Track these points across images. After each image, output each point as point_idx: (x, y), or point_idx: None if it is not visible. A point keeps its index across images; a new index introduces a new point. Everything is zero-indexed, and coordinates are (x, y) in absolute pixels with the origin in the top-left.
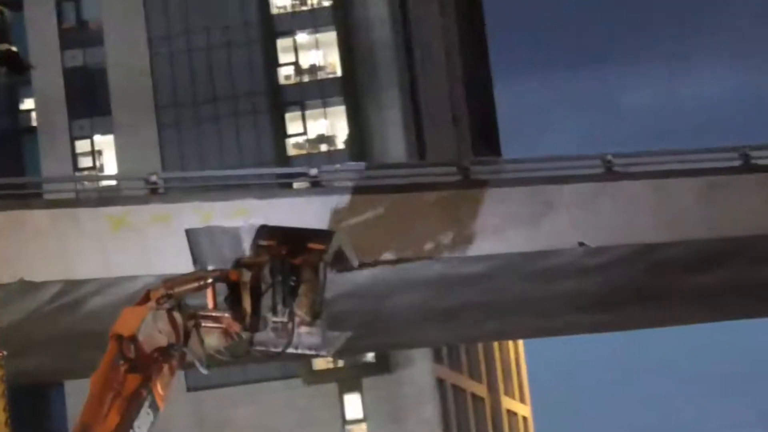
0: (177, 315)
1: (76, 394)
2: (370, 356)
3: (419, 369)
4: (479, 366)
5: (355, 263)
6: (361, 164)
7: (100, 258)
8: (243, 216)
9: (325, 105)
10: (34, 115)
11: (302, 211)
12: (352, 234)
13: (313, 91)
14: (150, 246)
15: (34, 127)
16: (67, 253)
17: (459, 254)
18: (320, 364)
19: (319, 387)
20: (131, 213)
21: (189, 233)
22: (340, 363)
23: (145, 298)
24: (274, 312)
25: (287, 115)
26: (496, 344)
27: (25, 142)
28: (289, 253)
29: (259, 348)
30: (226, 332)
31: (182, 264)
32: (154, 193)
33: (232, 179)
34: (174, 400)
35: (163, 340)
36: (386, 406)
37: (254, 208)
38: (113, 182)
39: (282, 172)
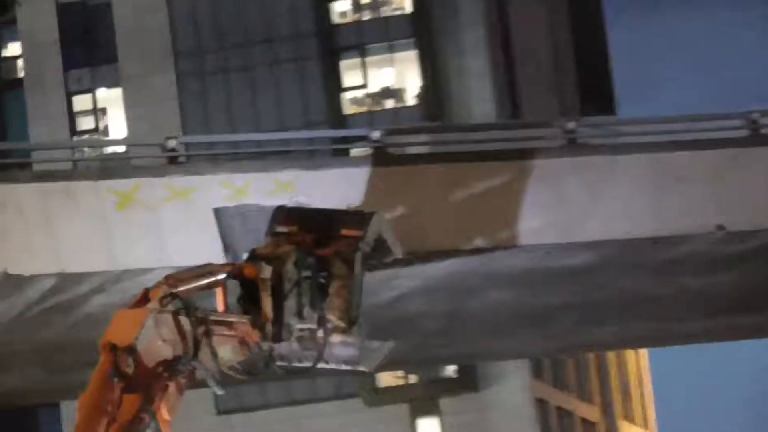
0: (184, 320)
1: (74, 419)
2: (450, 370)
3: (513, 387)
4: (590, 383)
5: (399, 252)
6: (437, 125)
7: (103, 245)
8: (286, 192)
9: (390, 50)
10: (19, 63)
11: (360, 185)
12: (423, 215)
13: (375, 32)
14: (166, 230)
15: (20, 79)
16: (62, 239)
17: (560, 241)
18: (386, 379)
19: (384, 409)
20: (143, 188)
21: (218, 213)
22: (413, 379)
23: (143, 299)
24: (300, 317)
25: (342, 63)
26: (611, 356)
27: (7, 98)
28: (316, 241)
29: (281, 363)
30: (242, 342)
31: (207, 252)
32: (172, 162)
33: (271, 145)
34: (200, 428)
35: (167, 352)
36: None
37: (299, 182)
38: (120, 149)
39: (336, 136)
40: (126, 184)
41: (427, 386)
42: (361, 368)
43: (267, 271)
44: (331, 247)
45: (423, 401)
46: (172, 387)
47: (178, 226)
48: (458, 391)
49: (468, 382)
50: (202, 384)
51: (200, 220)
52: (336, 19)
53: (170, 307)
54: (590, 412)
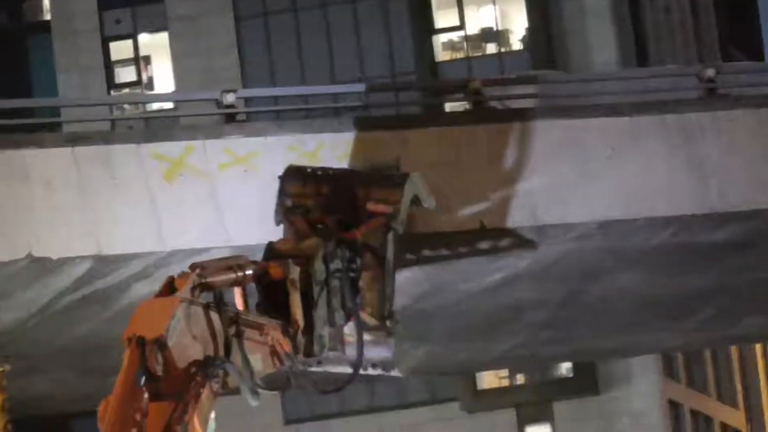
0: (214, 316)
1: None
2: (565, 369)
3: (640, 388)
4: (733, 384)
5: (432, 205)
6: (551, 73)
7: (147, 222)
8: (370, 157)
9: None
10: (45, 3)
11: (457, 146)
12: (532, 181)
13: None
14: (223, 202)
15: (46, 22)
16: (98, 214)
17: (698, 211)
18: (489, 380)
19: (487, 416)
20: (195, 152)
21: (287, 173)
22: (520, 380)
23: (169, 289)
24: (332, 323)
25: (434, 0)
26: (759, 350)
27: (32, 45)
28: (339, 222)
29: (311, 368)
30: (273, 352)
31: (272, 229)
32: (230, 121)
33: (348, 99)
34: None
35: (197, 351)
36: None
37: (383, 143)
38: (168, 105)
39: (427, 88)
40: (174, 147)
41: (537, 388)
42: (395, 373)
43: (295, 272)
44: (358, 228)
45: (533, 406)
46: (204, 394)
47: (237, 198)
48: (575, 395)
49: (586, 383)
50: (230, 392)
51: (263, 189)
52: None
53: (200, 300)
54: (733, 417)
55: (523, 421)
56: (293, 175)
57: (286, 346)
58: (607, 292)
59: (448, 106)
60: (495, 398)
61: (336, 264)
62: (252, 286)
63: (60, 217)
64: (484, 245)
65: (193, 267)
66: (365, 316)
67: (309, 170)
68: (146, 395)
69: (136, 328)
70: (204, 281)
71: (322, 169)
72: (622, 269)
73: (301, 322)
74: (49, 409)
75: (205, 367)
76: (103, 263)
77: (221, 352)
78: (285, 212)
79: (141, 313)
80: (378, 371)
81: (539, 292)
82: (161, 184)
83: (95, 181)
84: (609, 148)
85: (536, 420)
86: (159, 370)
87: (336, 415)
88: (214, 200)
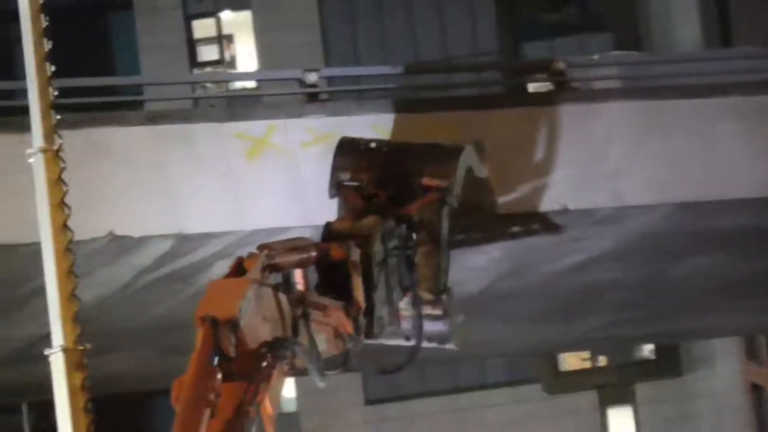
0: (282, 297)
1: None
2: (647, 351)
3: (722, 371)
4: None
5: (484, 173)
6: (633, 54)
7: (229, 200)
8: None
9: None
10: None
11: (540, 127)
12: (615, 162)
13: None
14: (306, 181)
15: (129, 1)
16: (179, 193)
17: None
18: (571, 362)
19: (568, 397)
20: (278, 131)
21: (340, 146)
22: (602, 361)
23: (237, 269)
24: (390, 302)
25: None
26: None
27: (114, 23)
28: (393, 197)
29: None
30: (336, 334)
31: None
32: (312, 99)
33: (431, 78)
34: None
35: (267, 332)
36: (672, 426)
37: (465, 123)
38: (250, 84)
39: (512, 67)
40: (257, 126)
41: (619, 370)
42: (451, 345)
43: (356, 254)
44: (413, 203)
45: (614, 388)
46: (275, 375)
47: (319, 177)
48: (656, 376)
49: (668, 365)
50: (298, 373)
51: None
52: None
53: (270, 281)
54: None
55: (604, 403)
56: (346, 149)
57: (349, 327)
58: (688, 273)
59: (531, 87)
60: (576, 380)
61: (393, 242)
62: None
63: (141, 196)
64: (565, 226)
65: (261, 248)
66: (421, 292)
67: (362, 144)
68: (219, 375)
69: (209, 308)
70: (272, 262)
71: (376, 141)
72: (702, 250)
73: (362, 304)
74: (128, 388)
75: (276, 347)
76: (184, 242)
77: (289, 333)
78: (338, 186)
79: (212, 294)
80: (433, 344)
81: (620, 273)
82: (243, 163)
83: (176, 160)
84: (691, 130)
85: (618, 402)
86: (232, 350)
87: (417, 395)
88: (296, 179)
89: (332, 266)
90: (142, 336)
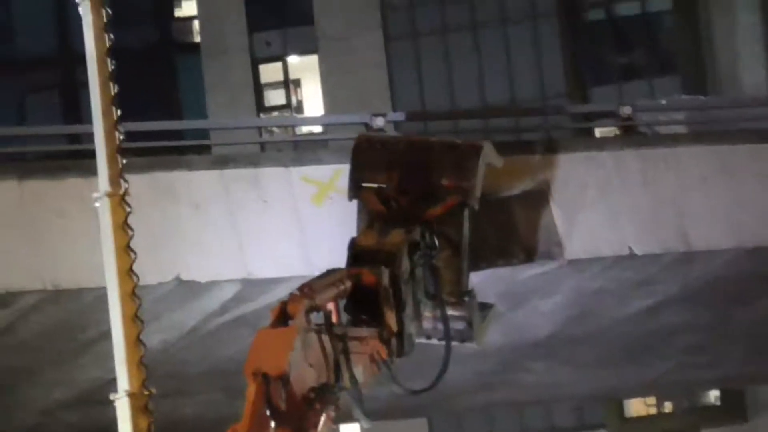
0: (325, 338)
1: None
2: (712, 396)
3: None
4: None
5: (500, 163)
6: (700, 98)
7: (296, 245)
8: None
9: (643, 7)
10: (195, 25)
11: (606, 171)
12: (683, 207)
13: None
14: None
15: (196, 43)
16: (246, 237)
17: None
18: (637, 407)
19: None
20: (344, 175)
21: (358, 145)
22: (668, 407)
23: (281, 314)
24: (417, 315)
25: (584, 22)
26: None
27: (182, 67)
28: (414, 201)
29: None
30: (372, 360)
31: None
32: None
33: (500, 122)
34: None
35: (313, 377)
36: None
37: (535, 167)
38: (317, 128)
39: (577, 112)
40: (324, 171)
41: (685, 415)
42: (473, 343)
43: (386, 277)
44: (435, 207)
45: None
46: (323, 421)
47: None
48: (722, 421)
49: (734, 410)
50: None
51: None
52: None
53: (313, 325)
54: None
55: None
56: (364, 148)
57: (384, 352)
58: (755, 317)
59: (598, 131)
60: (642, 425)
61: (419, 253)
62: None
63: (208, 240)
64: (633, 271)
65: (303, 288)
66: (444, 295)
67: (379, 143)
68: (272, 424)
69: (259, 363)
70: (314, 304)
71: (394, 139)
72: None
73: (395, 327)
74: (199, 431)
75: (323, 394)
76: (251, 287)
77: (332, 374)
78: (357, 188)
79: (260, 345)
80: (455, 343)
81: (688, 317)
82: (309, 207)
83: (243, 204)
84: (759, 174)
85: None
86: (282, 404)
87: None
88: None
89: (364, 288)
90: (208, 380)
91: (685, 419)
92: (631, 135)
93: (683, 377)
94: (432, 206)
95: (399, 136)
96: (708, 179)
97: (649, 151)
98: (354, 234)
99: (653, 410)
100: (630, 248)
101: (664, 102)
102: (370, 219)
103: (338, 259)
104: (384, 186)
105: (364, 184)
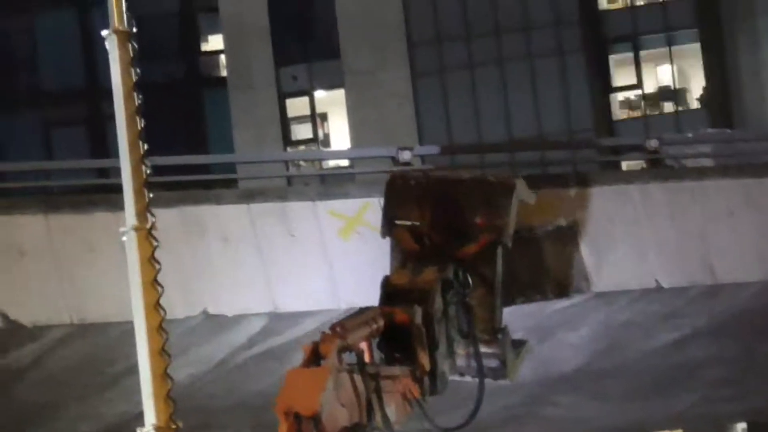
0: (357, 378)
1: None
2: (740, 429)
3: None
4: None
5: (532, 200)
6: (726, 131)
7: (323, 279)
8: (542, 213)
9: (669, 42)
10: (222, 59)
11: (633, 204)
12: (710, 240)
13: (651, 21)
14: None
15: (223, 77)
16: (274, 271)
17: None
18: None
19: None
20: (371, 209)
21: (390, 184)
22: None
23: (313, 354)
24: (450, 353)
25: (612, 58)
26: None
27: (208, 100)
28: (447, 239)
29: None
30: (404, 398)
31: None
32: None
33: (527, 155)
34: None
35: (345, 417)
36: None
37: (562, 200)
38: (344, 162)
39: (604, 145)
40: (351, 204)
41: None
42: (506, 380)
43: (419, 316)
44: (469, 245)
45: None
46: None
47: None
48: None
49: None
50: None
51: None
52: (604, 4)
53: (345, 365)
54: None
55: None
56: (397, 186)
57: (416, 391)
58: None
59: (625, 165)
60: None
61: (451, 292)
62: None
63: (235, 274)
64: (660, 304)
65: (335, 328)
66: (477, 333)
67: (413, 181)
68: None
69: (290, 402)
70: (346, 344)
71: (426, 176)
72: None
73: (428, 366)
74: None
75: None
76: (278, 320)
77: (364, 413)
78: (390, 226)
79: (293, 384)
80: (488, 380)
81: (716, 350)
82: (337, 241)
83: (271, 238)
84: None
85: None
86: None
87: None
88: (388, 257)
89: (398, 327)
90: (236, 414)
91: None
92: (658, 168)
93: (710, 410)
94: (465, 244)
95: (431, 172)
96: (734, 212)
97: (675, 184)
98: (382, 268)
99: None
100: (657, 281)
101: (690, 135)
102: (403, 257)
103: (366, 293)
104: (417, 223)
105: (398, 222)
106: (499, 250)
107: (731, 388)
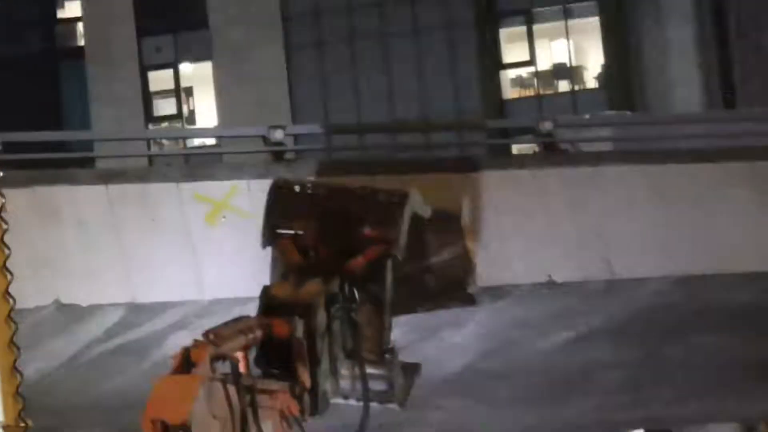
0: (231, 390)
1: None
2: None
3: None
4: None
5: (428, 213)
6: (627, 114)
7: (186, 267)
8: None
9: (566, 15)
10: (79, 28)
11: (526, 191)
12: (607, 231)
13: None
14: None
15: (80, 47)
16: (131, 258)
17: None
18: None
19: None
20: (240, 193)
21: (273, 190)
22: None
23: (183, 361)
24: (333, 372)
25: (503, 32)
26: None
27: (64, 73)
28: (333, 252)
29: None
30: (282, 416)
31: None
32: (278, 159)
33: (407, 138)
34: None
35: (216, 430)
36: None
37: (448, 186)
38: (210, 141)
39: (495, 127)
40: (217, 187)
41: None
42: (393, 405)
43: (300, 329)
44: (356, 258)
45: None
46: None
47: None
48: None
49: None
50: None
51: None
52: None
53: (219, 374)
54: None
55: None
56: (281, 193)
57: (295, 408)
58: (685, 353)
59: (516, 148)
60: None
61: (336, 306)
62: None
63: (91, 261)
64: (552, 300)
65: (206, 334)
66: (364, 352)
67: (298, 188)
68: None
69: (159, 411)
70: (219, 352)
71: (312, 184)
72: (703, 329)
73: (308, 383)
74: None
75: None
76: (138, 312)
77: (238, 427)
78: (272, 235)
79: (160, 392)
80: (374, 403)
81: (614, 352)
82: (202, 227)
83: (130, 223)
84: (691, 197)
85: None
86: None
87: None
88: (258, 246)
89: (274, 341)
90: (91, 415)
91: None
92: (552, 153)
93: (606, 417)
94: (353, 257)
95: (318, 180)
96: (635, 202)
97: (571, 170)
98: (250, 257)
99: None
100: (549, 276)
101: (587, 117)
102: (285, 269)
103: (232, 284)
104: (301, 233)
105: (280, 231)
106: (389, 264)
107: (629, 394)
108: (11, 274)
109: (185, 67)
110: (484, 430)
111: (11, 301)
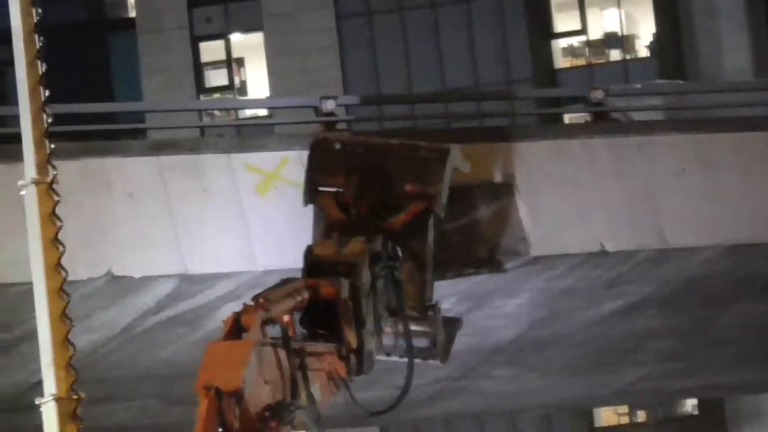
0: (282, 354)
1: None
2: (689, 405)
3: None
4: None
5: (467, 168)
6: (678, 83)
7: (238, 238)
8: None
9: None
10: None
11: (576, 161)
12: (659, 200)
13: None
14: None
15: (131, 19)
16: (184, 230)
17: None
18: (607, 417)
19: None
20: (291, 164)
21: (314, 148)
22: (640, 416)
23: (234, 326)
24: (378, 330)
25: (554, 1)
26: None
27: (114, 44)
28: (374, 208)
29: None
30: (330, 378)
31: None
32: (329, 129)
33: (461, 107)
34: None
35: (268, 394)
36: None
37: (498, 156)
38: (262, 112)
39: (544, 96)
40: (269, 158)
41: (659, 427)
42: (436, 361)
43: (346, 290)
44: (398, 215)
45: None
46: None
47: None
48: None
49: (712, 422)
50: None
51: None
52: None
53: (269, 338)
54: None
55: None
56: (321, 150)
57: (342, 370)
58: (736, 321)
59: (567, 117)
60: None
61: (380, 265)
62: None
63: (143, 233)
64: (604, 269)
65: (257, 299)
66: (407, 310)
67: (338, 144)
68: None
69: (211, 377)
70: (269, 316)
71: (352, 140)
72: (753, 298)
73: (354, 344)
74: None
75: (279, 412)
76: (189, 283)
77: (288, 391)
78: (313, 192)
79: (212, 358)
80: (418, 360)
81: (665, 321)
82: (253, 198)
83: (182, 194)
84: (742, 166)
85: None
86: (236, 423)
87: None
88: (310, 216)
89: (322, 302)
90: (143, 384)
91: (659, 430)
92: (603, 121)
93: (658, 385)
94: (394, 214)
95: (359, 136)
96: (686, 171)
97: (622, 139)
98: (302, 227)
99: (625, 420)
100: (601, 244)
101: (638, 86)
102: (327, 226)
103: (284, 255)
104: (342, 190)
105: (321, 188)
106: (431, 221)
107: (681, 362)
108: (63, 246)
109: (236, 38)
110: (534, 398)
111: (63, 273)
